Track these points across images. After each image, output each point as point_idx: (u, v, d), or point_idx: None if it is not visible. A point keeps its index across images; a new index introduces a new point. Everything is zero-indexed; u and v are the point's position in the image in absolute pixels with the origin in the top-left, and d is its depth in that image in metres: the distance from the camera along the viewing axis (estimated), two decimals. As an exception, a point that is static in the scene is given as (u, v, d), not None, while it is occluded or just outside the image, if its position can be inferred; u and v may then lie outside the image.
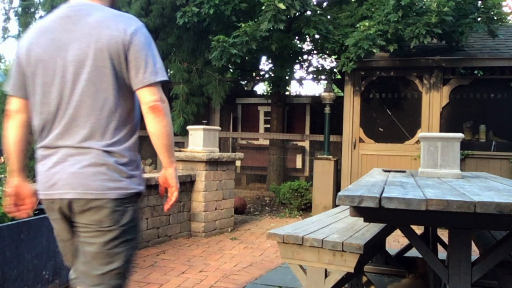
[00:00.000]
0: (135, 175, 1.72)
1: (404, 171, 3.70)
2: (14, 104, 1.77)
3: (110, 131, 1.67)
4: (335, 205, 6.13)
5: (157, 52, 1.74)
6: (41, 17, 10.26)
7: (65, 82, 1.66)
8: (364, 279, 3.29)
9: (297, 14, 7.03)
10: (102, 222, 1.64)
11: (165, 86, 1.80)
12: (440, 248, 4.07)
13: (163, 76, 1.69)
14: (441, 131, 6.51)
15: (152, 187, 4.59)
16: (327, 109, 7.10)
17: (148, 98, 1.66)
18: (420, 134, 3.50)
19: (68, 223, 1.72)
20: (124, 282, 1.73)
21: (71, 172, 1.63)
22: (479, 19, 6.26)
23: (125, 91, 1.69)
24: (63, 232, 1.75)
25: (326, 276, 2.60)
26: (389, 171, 3.69)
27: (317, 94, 9.62)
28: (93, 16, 1.67)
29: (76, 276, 1.79)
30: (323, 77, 8.62)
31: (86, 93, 1.64)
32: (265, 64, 9.41)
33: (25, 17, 10.12)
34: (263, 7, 6.37)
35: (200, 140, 5.53)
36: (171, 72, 8.54)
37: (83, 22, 1.66)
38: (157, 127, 1.68)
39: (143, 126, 1.74)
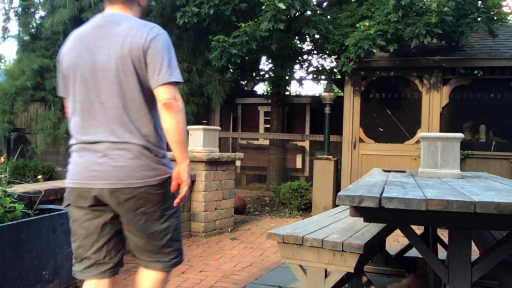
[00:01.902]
0: (166, 162, 1.97)
1: (404, 171, 3.69)
2: (68, 106, 2.01)
3: (141, 127, 1.88)
4: (335, 205, 6.12)
5: (174, 56, 1.92)
6: (41, 17, 10.27)
7: (96, 83, 1.88)
8: (364, 279, 3.29)
9: (297, 14, 7.04)
10: (146, 204, 1.89)
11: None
12: (440, 248, 4.07)
13: (177, 78, 1.87)
14: (441, 131, 6.50)
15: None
16: (327, 109, 7.09)
17: (162, 96, 1.84)
18: (420, 134, 3.50)
19: (99, 210, 1.91)
20: (180, 242, 2.09)
21: (115, 166, 1.84)
22: (479, 19, 6.25)
23: (148, 92, 1.88)
24: (88, 218, 1.92)
25: (326, 276, 2.60)
26: (389, 171, 3.69)
27: (317, 94, 9.62)
28: (122, 25, 1.89)
29: (96, 261, 1.95)
30: (323, 77, 8.62)
31: (115, 94, 1.86)
32: (265, 64, 9.41)
33: (25, 17, 10.11)
34: (263, 7, 6.36)
35: (200, 140, 5.53)
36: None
37: (112, 31, 1.88)
38: (170, 123, 1.85)
39: None
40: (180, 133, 1.87)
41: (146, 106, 1.89)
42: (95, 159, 1.86)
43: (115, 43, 1.85)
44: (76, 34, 1.98)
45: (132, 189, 1.85)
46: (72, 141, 1.96)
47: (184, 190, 1.92)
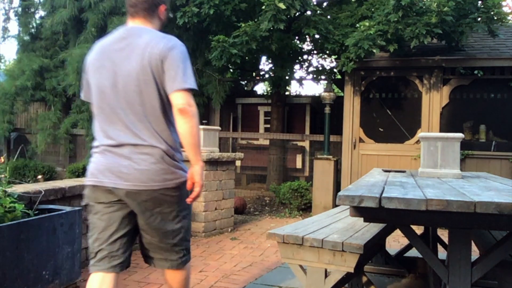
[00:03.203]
0: (183, 166, 2.11)
1: (404, 171, 3.69)
2: (93, 108, 2.15)
3: (160, 132, 2.02)
4: (335, 205, 6.12)
5: (189, 66, 2.06)
6: (41, 17, 10.27)
7: (119, 92, 2.02)
8: (364, 279, 3.29)
9: (297, 14, 7.03)
10: (163, 205, 2.04)
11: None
12: (440, 248, 4.07)
13: (191, 85, 2.00)
14: (441, 131, 6.50)
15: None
16: (327, 109, 7.09)
17: (177, 101, 1.97)
18: (420, 134, 3.50)
19: (119, 204, 2.05)
20: (189, 242, 2.25)
21: (139, 169, 1.98)
22: (479, 19, 6.25)
23: (166, 100, 2.02)
24: (108, 211, 2.05)
25: (326, 276, 2.60)
26: (389, 171, 3.69)
27: (317, 94, 9.61)
28: (142, 38, 2.04)
29: (108, 257, 2.05)
30: (323, 77, 8.61)
31: (137, 102, 2.00)
32: (265, 64, 9.41)
33: (25, 17, 10.12)
34: (263, 7, 6.36)
35: (200, 140, 5.52)
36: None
37: (134, 43, 2.03)
38: (185, 127, 1.98)
39: None
40: (194, 136, 2.00)
41: (164, 113, 2.03)
42: (119, 161, 2.00)
43: (136, 54, 2.00)
44: (100, 45, 2.14)
45: (152, 191, 2.00)
46: (95, 143, 2.11)
47: (196, 190, 2.05)
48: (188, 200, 2.08)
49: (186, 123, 1.97)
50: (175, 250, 2.16)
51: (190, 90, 2.00)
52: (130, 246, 2.13)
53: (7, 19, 10.42)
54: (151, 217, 2.06)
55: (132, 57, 2.00)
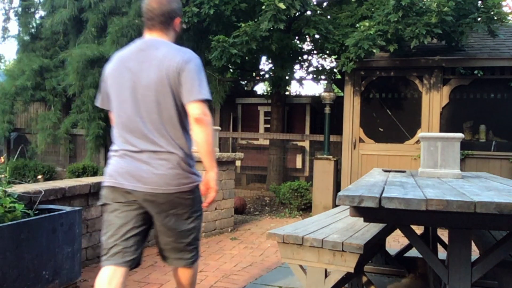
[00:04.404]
0: (195, 171, 2.22)
1: (404, 171, 3.69)
2: (112, 116, 2.29)
3: (176, 140, 2.13)
4: (335, 205, 6.12)
5: (204, 78, 2.16)
6: (41, 17, 10.27)
7: (137, 101, 2.13)
8: (364, 279, 3.29)
9: (297, 14, 7.03)
10: (178, 207, 2.16)
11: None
12: (440, 248, 4.07)
13: (206, 96, 2.11)
14: (441, 131, 6.50)
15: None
16: (327, 109, 7.09)
17: (194, 111, 2.08)
18: (420, 134, 3.50)
19: (136, 204, 2.15)
20: (199, 241, 2.35)
21: (157, 174, 2.09)
22: (479, 19, 6.25)
23: (182, 110, 2.14)
24: (126, 210, 2.15)
25: (326, 276, 2.60)
26: (389, 171, 3.69)
27: (317, 94, 9.61)
28: (160, 50, 2.14)
29: (122, 253, 2.12)
30: (323, 77, 8.61)
31: (154, 111, 2.11)
32: (265, 64, 9.41)
33: (25, 17, 10.12)
34: (263, 7, 6.36)
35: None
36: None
37: (152, 55, 2.13)
38: (201, 136, 2.10)
39: None
40: (209, 144, 2.12)
41: (180, 122, 2.15)
42: (138, 165, 2.11)
43: (154, 66, 2.10)
44: (119, 56, 2.24)
45: (168, 194, 2.11)
46: (114, 148, 2.22)
47: (212, 195, 2.21)
48: (204, 204, 2.25)
49: (202, 132, 2.08)
50: (188, 249, 2.27)
51: (205, 101, 2.10)
52: (142, 245, 2.22)
53: (7, 19, 10.44)
54: (167, 218, 2.17)
55: (150, 69, 2.10)
